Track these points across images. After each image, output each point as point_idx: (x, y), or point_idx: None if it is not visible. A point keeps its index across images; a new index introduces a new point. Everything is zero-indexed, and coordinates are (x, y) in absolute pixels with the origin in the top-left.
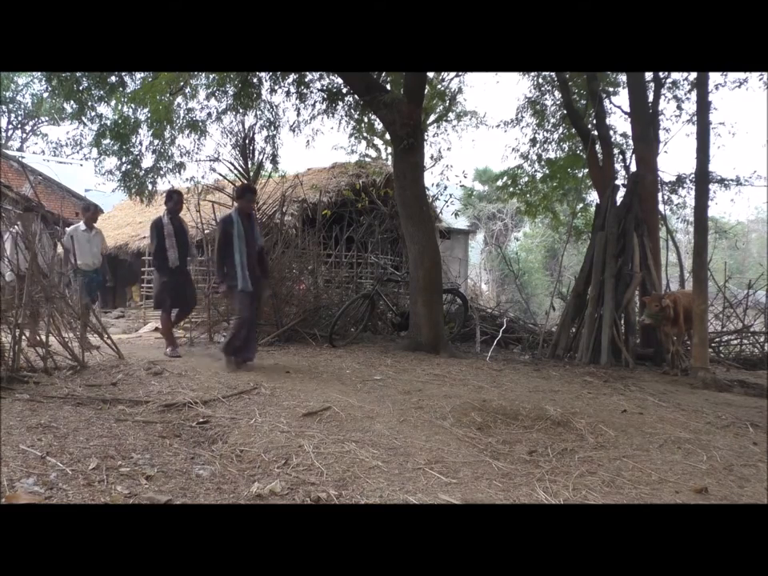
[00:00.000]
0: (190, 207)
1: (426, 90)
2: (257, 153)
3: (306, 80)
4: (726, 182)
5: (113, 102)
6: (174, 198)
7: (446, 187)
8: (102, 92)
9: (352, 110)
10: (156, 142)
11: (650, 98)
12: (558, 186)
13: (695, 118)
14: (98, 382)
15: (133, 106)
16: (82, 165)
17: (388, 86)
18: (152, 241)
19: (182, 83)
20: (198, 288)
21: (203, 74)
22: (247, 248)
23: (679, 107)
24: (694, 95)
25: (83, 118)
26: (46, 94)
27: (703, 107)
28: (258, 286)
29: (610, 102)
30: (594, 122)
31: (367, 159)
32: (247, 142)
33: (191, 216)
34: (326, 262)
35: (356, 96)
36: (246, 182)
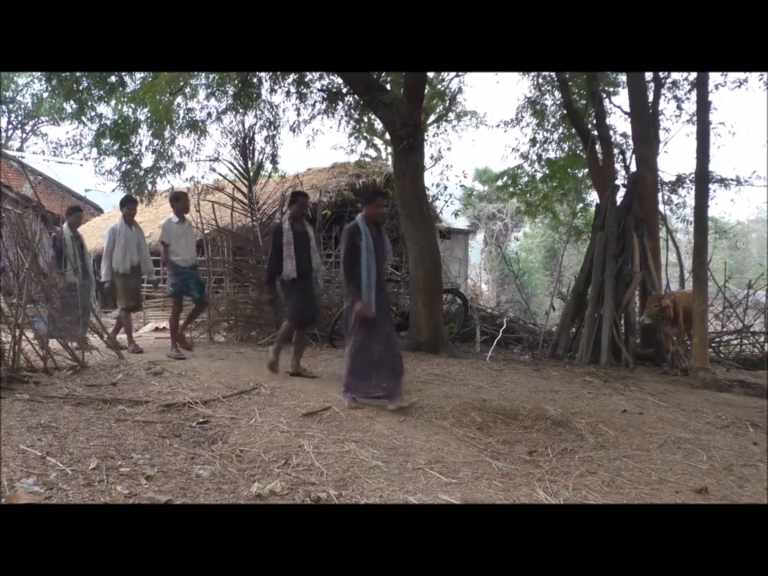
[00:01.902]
0: (190, 207)
1: (426, 90)
2: (257, 153)
3: (306, 80)
4: (726, 182)
5: (113, 102)
6: (300, 201)
7: (445, 187)
8: (101, 92)
9: (352, 110)
10: (156, 141)
11: (650, 98)
12: (558, 186)
13: (695, 118)
14: (98, 382)
15: (133, 105)
16: (81, 165)
17: (388, 86)
18: (269, 248)
19: (181, 83)
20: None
21: (203, 74)
22: (376, 264)
23: (679, 107)
24: (694, 95)
25: (83, 118)
26: (45, 94)
27: (703, 107)
28: (385, 308)
29: (610, 102)
30: (594, 122)
31: (367, 159)
32: (247, 141)
33: (191, 216)
34: (326, 262)
35: (356, 96)
36: (373, 188)
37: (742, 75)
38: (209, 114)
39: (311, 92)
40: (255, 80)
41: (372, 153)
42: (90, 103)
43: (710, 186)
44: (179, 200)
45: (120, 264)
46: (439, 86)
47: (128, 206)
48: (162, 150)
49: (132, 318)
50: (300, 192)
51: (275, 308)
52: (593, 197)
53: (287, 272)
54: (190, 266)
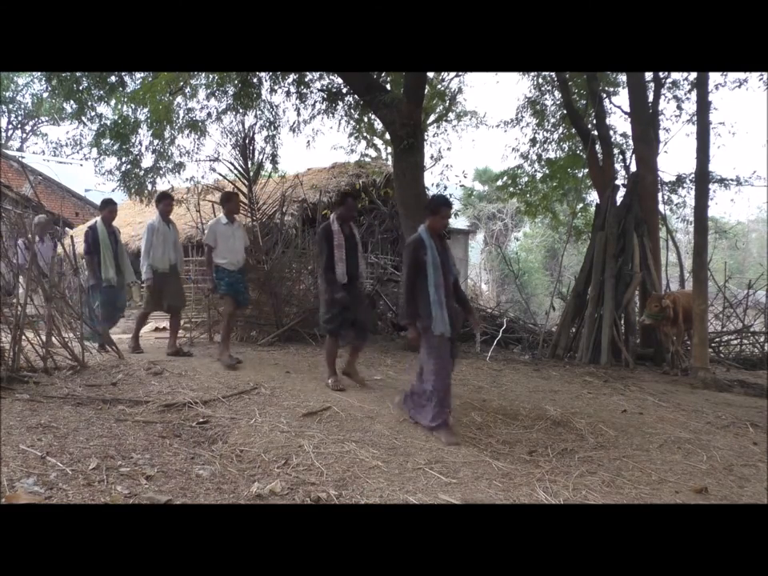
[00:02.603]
0: (190, 207)
1: (426, 90)
2: (257, 153)
3: (306, 80)
4: (726, 182)
5: (113, 102)
6: (348, 202)
7: (445, 187)
8: (101, 92)
9: (352, 110)
10: (156, 141)
11: (650, 98)
12: (558, 185)
13: (695, 118)
14: (98, 382)
15: (133, 105)
16: (81, 165)
17: (388, 86)
18: (319, 251)
19: (181, 83)
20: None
21: (203, 74)
22: (444, 280)
23: (679, 107)
24: (694, 95)
25: (83, 118)
26: (45, 94)
27: (703, 107)
28: (456, 327)
29: (610, 102)
30: (594, 122)
31: (367, 159)
32: (247, 141)
33: (192, 216)
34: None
35: (356, 96)
36: (439, 197)
37: (741, 75)
38: (209, 114)
39: (311, 92)
40: (255, 80)
41: (372, 153)
42: (90, 103)
43: (710, 185)
44: (230, 200)
45: (159, 262)
46: (439, 86)
47: (165, 201)
48: (161, 150)
49: (146, 320)
50: (348, 193)
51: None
52: (593, 197)
53: (337, 275)
54: (238, 270)
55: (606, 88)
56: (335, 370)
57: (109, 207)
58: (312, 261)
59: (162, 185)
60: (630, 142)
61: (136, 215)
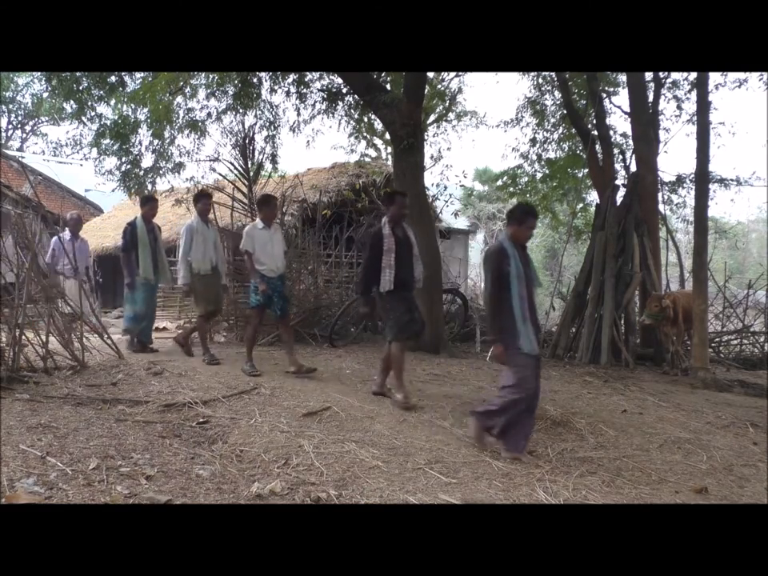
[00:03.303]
0: (190, 207)
1: (426, 90)
2: (257, 153)
3: (306, 80)
4: (726, 182)
5: (113, 102)
6: (398, 201)
7: (445, 187)
8: (101, 92)
9: (352, 110)
10: (156, 141)
11: (650, 98)
12: (558, 185)
13: (695, 118)
14: (98, 382)
15: (133, 105)
16: (81, 165)
17: (388, 86)
18: (366, 255)
19: (181, 83)
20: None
21: (203, 74)
22: (527, 293)
23: (679, 107)
24: (694, 95)
25: (83, 118)
26: (45, 94)
27: (703, 107)
28: (539, 344)
29: (610, 102)
30: (594, 122)
31: (367, 159)
32: (247, 141)
33: (191, 216)
34: (326, 262)
35: (356, 96)
36: (526, 206)
37: (742, 75)
38: (209, 114)
39: (311, 92)
40: (255, 80)
41: (372, 153)
42: (90, 103)
43: (710, 186)
44: (267, 204)
45: (200, 264)
46: (439, 86)
47: (203, 201)
48: (161, 149)
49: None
50: (397, 191)
51: (368, 320)
52: (593, 197)
53: (383, 284)
54: (278, 277)
55: (606, 88)
56: (404, 383)
57: (149, 204)
58: (312, 261)
59: (162, 185)
60: (630, 142)
61: (136, 215)
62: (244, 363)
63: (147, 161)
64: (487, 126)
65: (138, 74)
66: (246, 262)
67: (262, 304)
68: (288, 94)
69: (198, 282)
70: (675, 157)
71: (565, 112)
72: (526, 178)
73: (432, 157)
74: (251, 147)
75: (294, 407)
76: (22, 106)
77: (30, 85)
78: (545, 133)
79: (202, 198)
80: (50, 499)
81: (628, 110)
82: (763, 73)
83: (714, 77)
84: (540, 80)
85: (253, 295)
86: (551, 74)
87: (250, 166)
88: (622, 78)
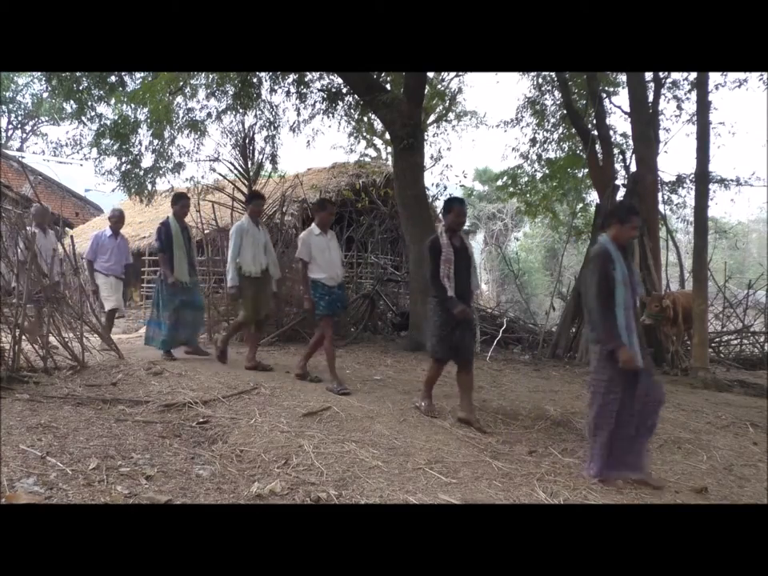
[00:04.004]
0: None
1: (426, 90)
2: (257, 153)
3: (306, 80)
4: (726, 182)
5: (113, 102)
6: (456, 209)
7: (445, 187)
8: (101, 92)
9: (352, 110)
10: (156, 141)
11: (650, 98)
12: (558, 185)
13: (695, 118)
14: (98, 382)
15: (133, 105)
16: (81, 165)
17: (388, 86)
18: (430, 266)
19: (181, 83)
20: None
21: (203, 74)
22: (632, 300)
23: (679, 107)
24: (694, 95)
25: (83, 118)
26: (45, 94)
27: (703, 107)
28: (646, 357)
29: (610, 102)
30: (594, 121)
31: (367, 159)
32: (247, 141)
33: (191, 216)
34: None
35: (356, 96)
36: (628, 204)
37: (741, 75)
38: (209, 114)
39: (311, 92)
40: (255, 80)
41: (372, 153)
42: (90, 103)
43: (710, 186)
44: (324, 209)
45: (250, 267)
46: (439, 86)
47: (255, 202)
48: (161, 149)
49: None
50: (455, 198)
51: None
52: (593, 197)
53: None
54: (338, 285)
55: (606, 88)
56: (431, 393)
57: (181, 202)
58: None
59: (162, 185)
60: (630, 142)
61: (136, 215)
62: (330, 382)
63: (147, 161)
64: (487, 126)
65: (138, 74)
66: (299, 271)
67: (330, 312)
68: (288, 93)
69: (246, 286)
70: (675, 157)
71: (565, 112)
72: (526, 178)
73: (432, 157)
74: (251, 147)
75: (294, 407)
76: (22, 106)
77: (30, 85)
78: (545, 133)
79: (255, 200)
80: (50, 499)
81: (628, 110)
82: (763, 73)
83: (714, 77)
84: (540, 80)
85: (320, 303)
86: (551, 74)
87: (249, 166)
88: (622, 78)
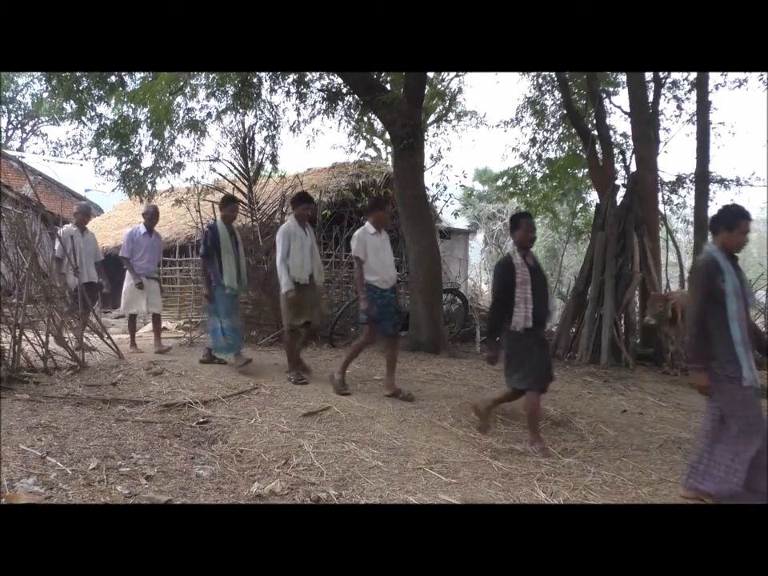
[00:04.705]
0: (190, 207)
1: (426, 90)
2: (257, 153)
3: (306, 80)
4: (726, 182)
5: (113, 102)
6: (524, 224)
7: (445, 187)
8: (101, 92)
9: (352, 110)
10: (156, 141)
11: (650, 98)
12: (558, 185)
13: (695, 118)
14: (98, 382)
15: (133, 105)
16: (81, 165)
17: (388, 86)
18: (496, 291)
19: (181, 83)
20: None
21: (203, 74)
22: (746, 313)
23: (679, 107)
24: (694, 95)
25: (83, 118)
26: (45, 94)
27: (703, 107)
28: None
29: (610, 102)
30: (594, 121)
31: (367, 159)
32: (247, 141)
33: (191, 216)
34: (326, 262)
35: (356, 96)
36: (736, 209)
37: (741, 75)
38: (209, 114)
39: (311, 92)
40: (255, 80)
41: (372, 153)
42: (90, 103)
43: (710, 186)
44: (381, 207)
45: (297, 273)
46: (439, 86)
47: (304, 204)
48: (161, 149)
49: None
50: (523, 213)
51: (492, 364)
52: (593, 197)
53: (518, 321)
54: (390, 288)
55: (606, 88)
56: (538, 430)
57: (230, 206)
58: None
59: (161, 185)
60: (630, 142)
61: (136, 215)
62: (335, 373)
63: (147, 161)
64: (487, 126)
65: (138, 74)
66: (354, 270)
67: (372, 319)
68: (288, 93)
69: (293, 291)
70: (675, 157)
71: (565, 112)
72: (526, 178)
73: (432, 157)
74: (251, 147)
75: (294, 407)
76: (22, 106)
77: (30, 85)
78: (545, 133)
79: (302, 202)
80: (50, 499)
81: (628, 110)
82: (763, 73)
83: (714, 77)
84: (540, 80)
85: (361, 311)
86: (551, 74)
87: (249, 165)
88: (622, 78)
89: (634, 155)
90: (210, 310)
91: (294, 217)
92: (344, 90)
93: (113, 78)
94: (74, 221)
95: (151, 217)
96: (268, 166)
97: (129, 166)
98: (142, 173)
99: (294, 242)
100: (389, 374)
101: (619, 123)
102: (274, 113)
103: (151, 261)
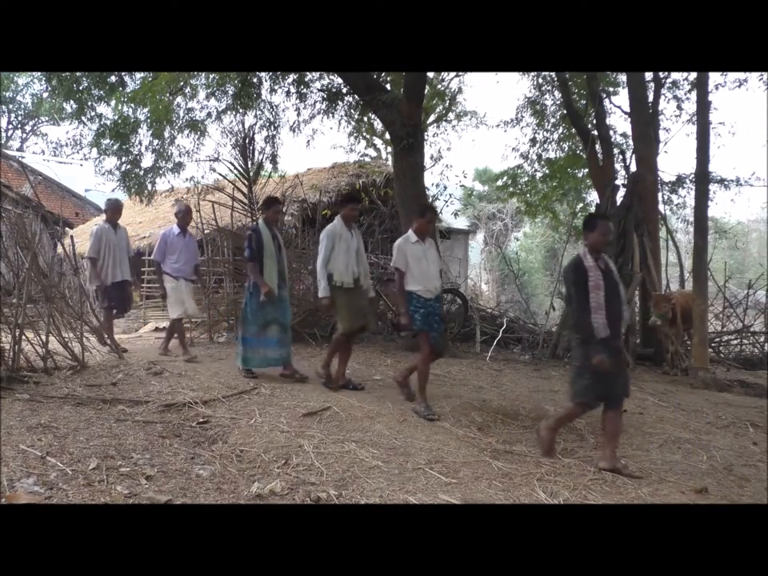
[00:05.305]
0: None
1: (426, 90)
2: (257, 153)
3: (306, 80)
4: (726, 182)
5: (113, 102)
6: (600, 227)
7: (445, 187)
8: (101, 92)
9: (352, 110)
10: (155, 141)
11: (650, 98)
12: (558, 186)
13: (695, 118)
14: (98, 382)
15: (133, 105)
16: (81, 165)
17: (388, 86)
18: (570, 298)
19: (181, 83)
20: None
21: (203, 74)
22: None
23: (679, 107)
24: (694, 95)
25: (83, 118)
26: (45, 94)
27: (703, 107)
28: None
29: (610, 102)
30: (594, 121)
31: (367, 159)
32: (247, 142)
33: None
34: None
35: (356, 96)
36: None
37: (741, 75)
38: (209, 114)
39: (311, 92)
40: (255, 80)
41: (372, 153)
42: (90, 103)
43: (710, 186)
44: (424, 216)
45: (343, 277)
46: (439, 86)
47: (351, 205)
48: (161, 149)
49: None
50: (599, 214)
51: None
52: (593, 197)
53: (595, 329)
54: (435, 298)
55: (606, 88)
56: (555, 438)
57: (274, 207)
58: (312, 261)
59: (161, 185)
60: (630, 142)
61: (136, 215)
62: (417, 404)
63: (147, 161)
64: (487, 126)
65: (138, 74)
66: (395, 281)
67: (425, 328)
68: (288, 93)
69: (339, 297)
70: (675, 157)
71: (565, 112)
72: (526, 178)
73: (432, 157)
74: (251, 147)
75: (294, 407)
76: (22, 106)
77: (30, 85)
78: (545, 133)
79: (349, 203)
80: (50, 499)
81: (628, 110)
82: (763, 73)
83: (714, 77)
84: (540, 80)
85: (415, 317)
86: (551, 74)
87: (249, 166)
88: (622, 78)
89: (633, 155)
90: (241, 317)
91: (341, 217)
92: (344, 90)
93: (113, 78)
94: (105, 217)
95: (184, 215)
96: (268, 166)
97: (129, 166)
98: (141, 173)
99: (340, 244)
100: (421, 389)
101: (619, 123)
102: (274, 113)
103: (187, 262)
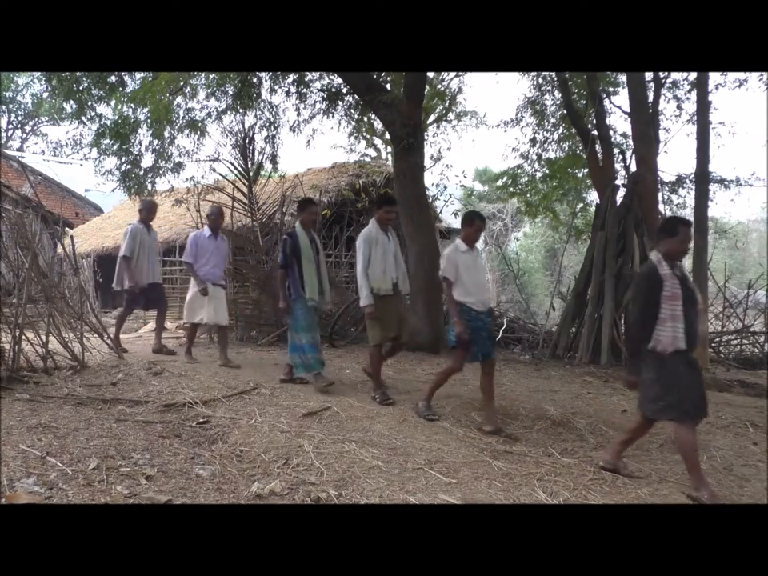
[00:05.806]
0: (190, 207)
1: (426, 90)
2: (257, 153)
3: (306, 80)
4: (726, 182)
5: (113, 102)
6: (681, 232)
7: (445, 187)
8: (101, 92)
9: (352, 110)
10: (155, 141)
11: (650, 98)
12: (558, 186)
13: (695, 118)
14: (98, 382)
15: (133, 105)
16: (81, 165)
17: (388, 86)
18: (639, 306)
19: (181, 83)
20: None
21: (203, 74)
22: None
23: (679, 107)
24: (694, 95)
25: (83, 118)
26: (45, 94)
27: (703, 107)
28: None
29: (610, 102)
30: (594, 121)
31: (367, 159)
32: (247, 142)
33: (191, 216)
34: (326, 262)
35: (356, 96)
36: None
37: (741, 75)
38: (209, 114)
39: (311, 92)
40: (255, 80)
41: (372, 153)
42: (90, 103)
43: (710, 186)
44: (472, 224)
45: (380, 283)
46: (439, 86)
47: (386, 207)
48: (161, 149)
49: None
50: (682, 219)
51: (632, 389)
52: (593, 197)
53: (667, 341)
54: (486, 311)
55: (606, 88)
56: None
57: (309, 209)
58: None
59: (161, 185)
60: (630, 141)
61: (136, 215)
62: (420, 401)
63: (147, 161)
64: (487, 126)
65: (138, 74)
66: (444, 291)
67: (462, 345)
68: (288, 93)
69: (378, 304)
70: (675, 157)
71: (565, 112)
72: (526, 178)
73: (432, 157)
74: (251, 147)
75: (294, 407)
76: (22, 106)
77: (30, 85)
78: (545, 133)
79: (385, 205)
80: (50, 499)
81: (628, 110)
82: (763, 73)
83: (714, 77)
84: (540, 80)
85: (451, 332)
86: (551, 74)
87: (249, 165)
88: (622, 78)
89: (634, 155)
90: (289, 326)
91: (376, 221)
92: (344, 90)
93: (113, 78)
94: (139, 217)
95: (216, 218)
96: (268, 166)
97: (129, 166)
98: (141, 173)
99: (376, 249)
100: (488, 406)
101: (619, 123)
102: (274, 113)
103: (217, 266)
